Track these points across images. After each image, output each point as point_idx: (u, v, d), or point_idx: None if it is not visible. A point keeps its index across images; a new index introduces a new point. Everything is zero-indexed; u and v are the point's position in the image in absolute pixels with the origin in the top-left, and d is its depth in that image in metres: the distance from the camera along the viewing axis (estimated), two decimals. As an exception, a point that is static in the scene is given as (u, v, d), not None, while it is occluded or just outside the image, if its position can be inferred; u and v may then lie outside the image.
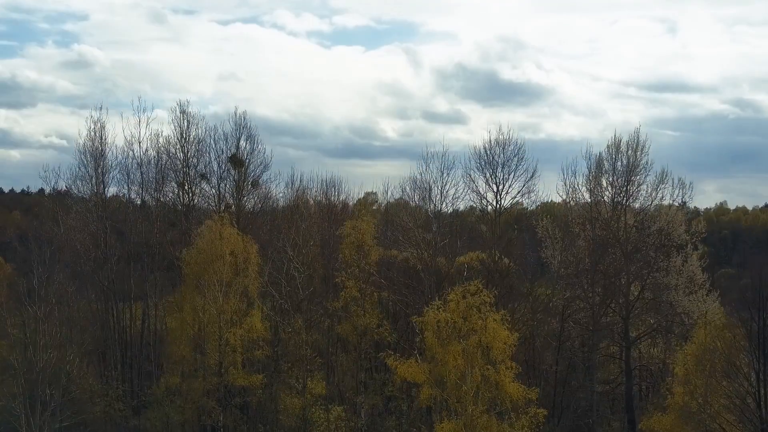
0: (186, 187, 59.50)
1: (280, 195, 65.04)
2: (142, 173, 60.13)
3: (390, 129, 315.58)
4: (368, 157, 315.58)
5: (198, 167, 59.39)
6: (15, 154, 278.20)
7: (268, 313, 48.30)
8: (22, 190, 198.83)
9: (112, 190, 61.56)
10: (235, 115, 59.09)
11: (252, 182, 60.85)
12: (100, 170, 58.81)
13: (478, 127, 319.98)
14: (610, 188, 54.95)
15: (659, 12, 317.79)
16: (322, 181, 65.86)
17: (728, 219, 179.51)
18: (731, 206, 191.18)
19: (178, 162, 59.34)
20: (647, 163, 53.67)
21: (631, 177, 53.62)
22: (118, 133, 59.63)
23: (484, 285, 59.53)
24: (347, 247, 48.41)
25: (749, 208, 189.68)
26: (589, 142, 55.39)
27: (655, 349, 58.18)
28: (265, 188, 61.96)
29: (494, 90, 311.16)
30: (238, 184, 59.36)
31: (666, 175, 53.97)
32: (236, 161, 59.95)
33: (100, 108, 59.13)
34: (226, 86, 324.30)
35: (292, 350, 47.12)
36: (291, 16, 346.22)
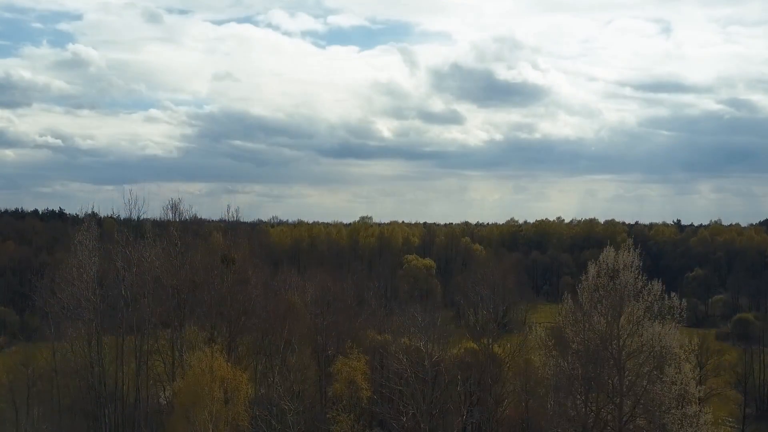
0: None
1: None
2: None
3: (386, 129, 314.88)
4: (364, 156, 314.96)
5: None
6: (9, 153, 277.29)
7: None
8: (16, 210, 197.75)
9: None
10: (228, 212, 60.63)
11: (243, 279, 61.02)
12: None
13: (473, 127, 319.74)
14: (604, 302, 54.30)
15: (653, 12, 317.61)
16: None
17: (723, 240, 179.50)
18: (723, 209, 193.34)
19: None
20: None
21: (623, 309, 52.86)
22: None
23: (478, 379, 60.07)
24: (339, 383, 48.07)
25: (743, 211, 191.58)
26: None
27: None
28: (255, 286, 62.12)
29: (490, 90, 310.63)
30: (231, 286, 59.20)
31: (664, 297, 53.17)
32: (227, 260, 60.25)
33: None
34: (222, 86, 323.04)
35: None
36: (285, 15, 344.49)
